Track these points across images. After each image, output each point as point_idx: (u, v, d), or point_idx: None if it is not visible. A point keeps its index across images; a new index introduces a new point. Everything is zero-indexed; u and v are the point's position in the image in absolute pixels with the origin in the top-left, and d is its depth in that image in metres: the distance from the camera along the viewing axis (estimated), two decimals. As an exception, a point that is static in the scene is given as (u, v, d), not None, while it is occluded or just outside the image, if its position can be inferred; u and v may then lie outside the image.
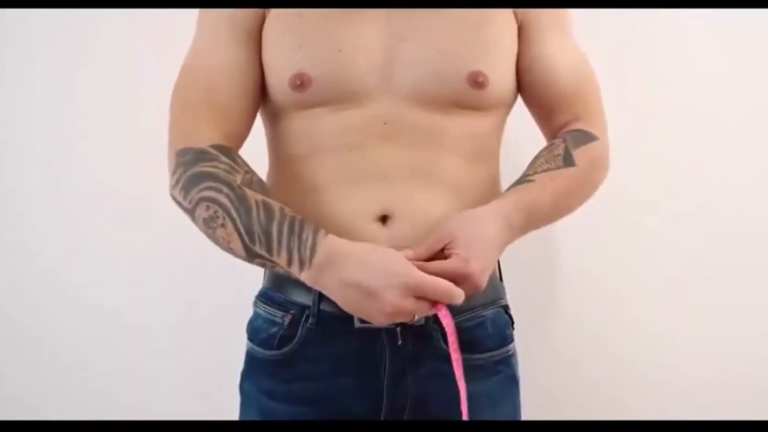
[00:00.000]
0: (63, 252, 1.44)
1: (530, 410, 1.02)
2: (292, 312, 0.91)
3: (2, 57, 1.41)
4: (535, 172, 0.90)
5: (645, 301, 1.43)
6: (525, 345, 1.04)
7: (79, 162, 1.42)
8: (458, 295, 0.78)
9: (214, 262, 1.11)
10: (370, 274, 0.76)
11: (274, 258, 0.80)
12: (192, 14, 0.97)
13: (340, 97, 0.88)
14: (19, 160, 1.43)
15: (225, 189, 0.81)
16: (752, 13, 1.36)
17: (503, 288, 0.99)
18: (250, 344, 0.96)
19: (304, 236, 0.79)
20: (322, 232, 0.80)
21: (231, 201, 0.80)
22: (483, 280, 0.81)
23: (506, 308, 0.98)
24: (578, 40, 0.99)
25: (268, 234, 0.79)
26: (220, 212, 0.81)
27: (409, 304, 0.76)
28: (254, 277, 1.00)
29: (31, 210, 1.43)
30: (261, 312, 0.95)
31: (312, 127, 0.89)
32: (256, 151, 0.97)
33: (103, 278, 1.44)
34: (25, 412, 1.42)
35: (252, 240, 0.80)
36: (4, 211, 1.43)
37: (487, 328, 0.93)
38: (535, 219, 0.88)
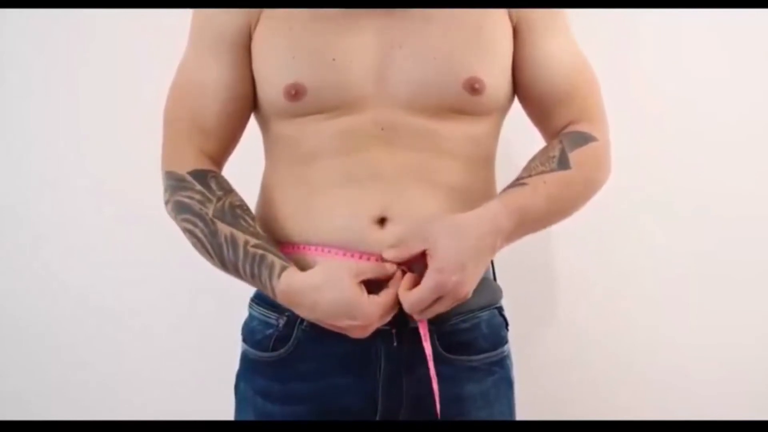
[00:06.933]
0: (63, 252, 1.44)
1: (529, 410, 1.02)
2: (287, 314, 0.90)
3: (2, 57, 1.41)
4: (529, 175, 0.89)
5: (644, 302, 1.43)
6: (525, 345, 1.04)
7: (79, 162, 1.42)
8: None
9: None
10: (325, 315, 0.83)
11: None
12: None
13: (335, 105, 0.88)
14: (19, 159, 1.43)
15: (199, 223, 0.87)
16: (751, 13, 1.36)
17: (499, 289, 0.98)
18: (245, 346, 0.96)
19: (263, 279, 0.85)
20: (275, 275, 0.83)
21: (205, 236, 0.87)
22: (461, 292, 0.82)
23: (500, 310, 0.98)
24: (578, 40, 0.98)
25: (237, 270, 0.86)
26: (199, 245, 0.88)
27: (371, 328, 0.83)
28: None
29: (31, 210, 1.44)
30: (256, 314, 0.95)
31: (308, 133, 0.89)
32: (254, 151, 0.98)
33: (103, 278, 1.44)
34: (25, 412, 1.42)
35: (230, 272, 0.88)
36: (4, 211, 1.44)
37: (482, 329, 0.93)
38: (528, 222, 0.87)
